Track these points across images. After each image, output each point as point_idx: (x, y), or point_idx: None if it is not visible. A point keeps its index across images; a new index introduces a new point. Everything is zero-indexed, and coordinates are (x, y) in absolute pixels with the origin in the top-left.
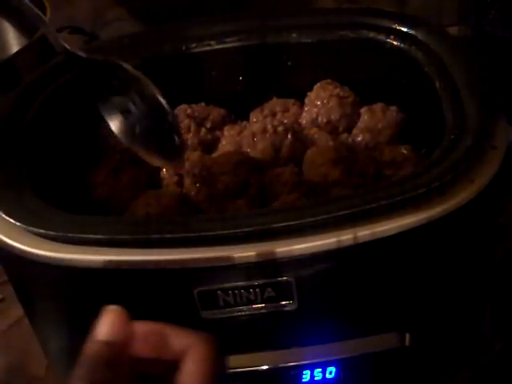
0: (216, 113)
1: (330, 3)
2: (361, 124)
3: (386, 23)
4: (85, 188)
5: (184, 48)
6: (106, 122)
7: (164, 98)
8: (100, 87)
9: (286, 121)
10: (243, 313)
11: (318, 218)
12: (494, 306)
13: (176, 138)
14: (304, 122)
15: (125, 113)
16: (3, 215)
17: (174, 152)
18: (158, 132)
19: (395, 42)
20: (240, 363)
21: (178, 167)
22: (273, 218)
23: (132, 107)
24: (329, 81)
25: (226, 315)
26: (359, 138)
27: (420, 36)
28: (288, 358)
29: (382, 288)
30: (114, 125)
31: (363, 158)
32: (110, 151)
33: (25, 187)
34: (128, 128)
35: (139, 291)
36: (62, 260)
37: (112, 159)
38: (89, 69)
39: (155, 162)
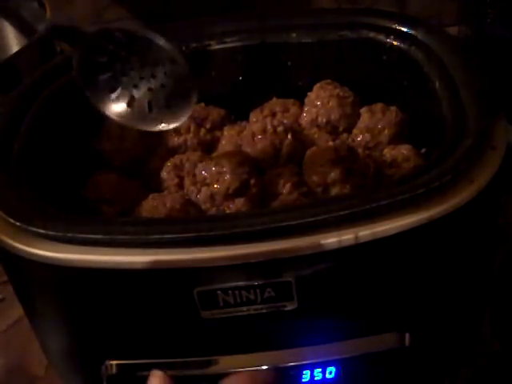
0: (216, 113)
1: (330, 3)
2: (361, 124)
3: (386, 23)
4: (86, 190)
5: (184, 48)
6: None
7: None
8: (93, 67)
9: (285, 121)
10: (243, 313)
11: (318, 218)
12: (493, 306)
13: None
14: (304, 122)
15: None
16: (3, 215)
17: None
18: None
19: (395, 42)
20: (240, 363)
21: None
22: (273, 218)
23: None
24: (329, 81)
25: (226, 315)
26: (359, 138)
27: (420, 36)
28: (288, 358)
29: (381, 288)
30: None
31: (363, 157)
32: (112, 151)
33: (25, 187)
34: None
35: (139, 291)
36: (62, 260)
37: (114, 160)
38: (89, 44)
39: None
